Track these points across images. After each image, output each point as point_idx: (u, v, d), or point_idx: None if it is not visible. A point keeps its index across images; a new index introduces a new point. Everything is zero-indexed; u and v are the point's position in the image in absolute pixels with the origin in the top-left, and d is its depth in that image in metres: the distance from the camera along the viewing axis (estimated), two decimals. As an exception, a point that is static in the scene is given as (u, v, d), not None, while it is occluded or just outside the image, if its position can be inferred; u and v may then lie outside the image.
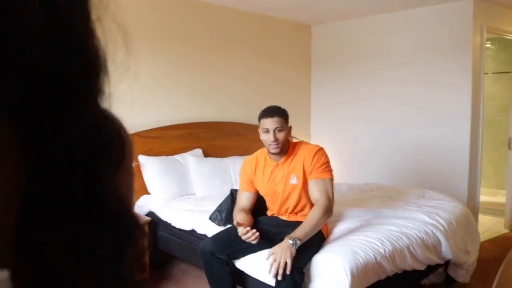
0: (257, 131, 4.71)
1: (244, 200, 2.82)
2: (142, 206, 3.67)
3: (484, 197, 4.81)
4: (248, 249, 2.65)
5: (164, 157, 3.86)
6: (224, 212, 3.05)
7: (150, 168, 3.70)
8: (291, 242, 2.38)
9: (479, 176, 4.45)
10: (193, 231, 3.28)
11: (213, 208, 3.17)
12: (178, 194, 3.74)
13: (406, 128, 4.68)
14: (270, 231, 2.72)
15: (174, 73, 4.16)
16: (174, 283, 3.52)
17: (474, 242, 3.43)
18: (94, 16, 0.31)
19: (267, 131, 2.65)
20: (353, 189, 4.04)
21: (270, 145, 2.65)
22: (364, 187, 4.08)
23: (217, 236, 2.75)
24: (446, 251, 2.98)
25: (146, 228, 3.34)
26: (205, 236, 3.14)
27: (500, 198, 5.79)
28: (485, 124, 4.51)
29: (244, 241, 2.57)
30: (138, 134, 3.82)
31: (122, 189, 0.34)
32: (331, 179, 2.67)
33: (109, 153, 0.33)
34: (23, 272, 0.28)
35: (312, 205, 2.72)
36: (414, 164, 4.64)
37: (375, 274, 2.50)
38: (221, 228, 2.99)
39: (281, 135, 2.64)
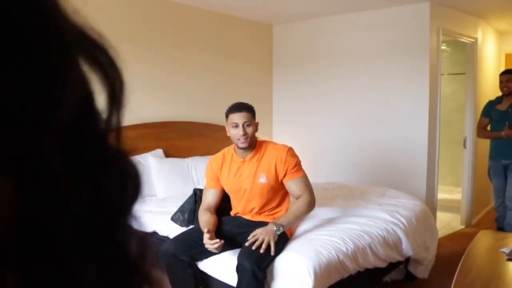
0: (219, 131, 4.73)
1: (210, 198, 2.79)
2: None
3: (441, 195, 4.95)
4: (210, 251, 2.63)
5: (124, 157, 3.76)
6: (187, 213, 3.01)
7: (109, 169, 3.60)
8: (274, 228, 2.48)
9: (437, 174, 4.57)
10: (154, 233, 3.22)
11: (175, 209, 3.12)
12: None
13: (366, 127, 4.75)
14: (233, 231, 2.71)
15: (132, 72, 4.07)
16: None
17: (432, 239, 3.51)
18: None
19: (236, 125, 2.65)
20: (316, 188, 4.01)
21: (239, 139, 2.64)
22: (327, 186, 4.11)
23: (179, 237, 2.71)
24: (407, 248, 3.03)
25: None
26: (167, 238, 3.08)
27: (456, 195, 5.98)
28: (441, 123, 4.64)
29: None
30: (97, 134, 3.72)
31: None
32: (305, 175, 2.76)
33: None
34: None
35: (278, 205, 2.78)
36: (375, 162, 4.71)
37: (338, 273, 2.51)
38: (183, 229, 2.95)
39: (249, 130, 2.66)
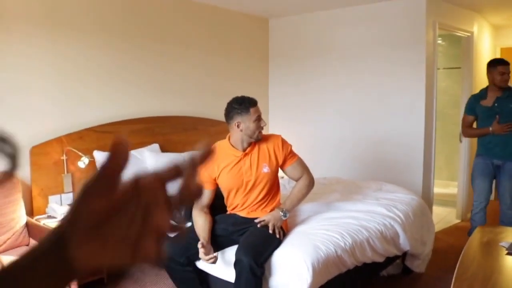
0: (215, 125, 4.71)
1: (204, 197, 2.77)
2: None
3: (437, 189, 4.95)
4: None
5: (120, 152, 3.74)
6: (183, 210, 2.99)
7: (105, 164, 3.58)
8: (281, 213, 2.62)
9: (433, 168, 4.58)
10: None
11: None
12: (135, 191, 3.64)
13: (363, 122, 4.75)
14: (228, 229, 2.70)
15: (129, 67, 4.04)
16: (133, 282, 3.43)
17: (429, 233, 3.52)
18: None
19: (259, 118, 2.72)
20: (313, 183, 4.06)
21: (260, 132, 2.72)
22: (324, 181, 4.11)
23: (174, 239, 2.68)
24: (404, 242, 3.04)
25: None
26: (164, 233, 3.07)
27: (452, 189, 5.99)
28: (437, 117, 4.64)
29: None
30: (93, 129, 3.69)
31: None
32: (300, 157, 2.85)
33: None
34: None
35: (274, 196, 2.80)
36: (371, 157, 4.71)
37: (336, 268, 2.52)
38: (180, 226, 2.93)
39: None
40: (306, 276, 2.31)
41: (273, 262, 2.48)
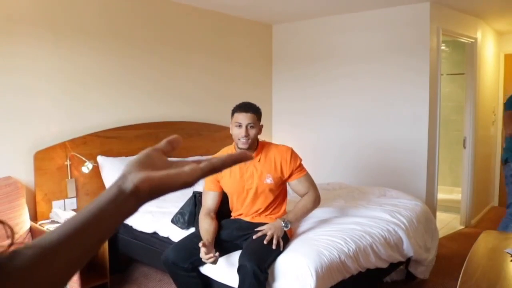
0: (218, 131, 4.73)
1: (210, 201, 2.77)
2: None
3: (440, 195, 4.94)
4: None
5: (123, 157, 3.75)
6: (187, 215, 2.99)
7: (109, 169, 3.59)
8: (283, 224, 2.59)
9: (437, 174, 4.56)
10: (155, 233, 3.20)
11: (175, 210, 3.11)
12: (139, 196, 3.64)
13: (366, 127, 4.75)
14: (233, 234, 2.70)
15: (133, 72, 4.06)
16: (136, 286, 3.43)
17: (433, 239, 3.50)
18: None
19: (240, 125, 2.64)
20: (316, 188, 4.05)
21: (239, 139, 2.64)
22: (327, 186, 4.11)
23: (178, 245, 2.68)
24: (408, 248, 3.03)
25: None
26: (167, 238, 3.07)
27: (455, 195, 5.98)
28: (440, 123, 4.63)
29: None
30: (97, 134, 3.71)
31: None
32: (308, 173, 2.81)
33: None
34: None
35: (279, 205, 2.79)
36: (375, 163, 4.71)
37: (339, 273, 2.50)
38: (184, 231, 2.94)
39: (252, 132, 2.65)
40: (309, 282, 2.31)
41: (277, 268, 2.47)
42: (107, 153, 3.72)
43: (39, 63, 3.39)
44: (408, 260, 3.26)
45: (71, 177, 3.52)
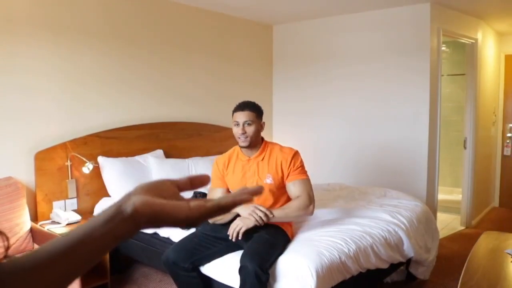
0: (219, 131, 4.74)
1: (217, 196, 2.77)
2: (102, 208, 3.56)
3: (441, 195, 4.94)
4: (212, 255, 2.64)
5: (124, 158, 3.76)
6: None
7: (110, 170, 3.59)
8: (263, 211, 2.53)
9: (437, 175, 4.56)
10: (155, 234, 3.20)
11: (176, 210, 3.10)
12: (139, 196, 3.64)
13: (366, 128, 4.75)
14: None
15: (134, 73, 4.06)
16: (136, 287, 3.43)
17: (434, 240, 3.50)
18: None
19: (237, 123, 2.70)
20: (317, 189, 4.03)
21: (239, 138, 2.69)
22: (328, 187, 4.11)
23: (179, 245, 2.68)
24: (408, 249, 3.02)
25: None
26: (168, 239, 3.07)
27: (456, 196, 5.98)
28: (441, 124, 4.63)
29: (208, 248, 2.63)
30: (97, 134, 3.71)
31: None
32: (308, 179, 2.75)
33: None
34: None
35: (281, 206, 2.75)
36: (375, 163, 4.71)
37: (340, 274, 2.50)
38: (184, 231, 2.94)
39: (250, 129, 2.67)
40: (310, 283, 2.30)
41: (277, 268, 2.47)
42: (108, 154, 3.72)
43: (40, 63, 3.39)
44: (409, 260, 3.25)
45: (71, 178, 3.52)
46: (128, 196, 0.54)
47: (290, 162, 2.70)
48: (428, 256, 3.34)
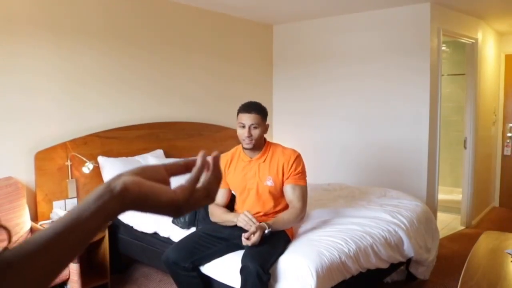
0: (219, 131, 4.73)
1: (219, 197, 2.79)
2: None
3: (441, 195, 4.93)
4: (212, 255, 2.64)
5: (124, 158, 3.76)
6: (187, 215, 2.99)
7: (110, 169, 3.59)
8: (266, 231, 2.48)
9: (437, 175, 4.56)
10: (155, 234, 3.20)
11: (176, 210, 3.10)
12: (139, 196, 3.64)
13: (367, 127, 4.75)
14: (234, 233, 2.69)
15: (134, 73, 4.06)
16: (136, 287, 3.43)
17: (434, 240, 3.50)
18: None
19: (243, 126, 2.67)
20: (317, 189, 4.05)
21: (243, 140, 2.68)
22: (328, 187, 4.11)
23: (179, 244, 2.68)
24: (408, 249, 3.03)
25: (106, 231, 3.23)
26: (168, 239, 3.07)
27: (456, 196, 5.98)
28: (441, 124, 4.63)
29: (208, 248, 2.63)
30: (97, 134, 3.71)
31: None
32: (306, 186, 2.74)
33: None
34: None
35: (282, 210, 2.75)
36: (375, 163, 4.71)
37: (340, 274, 2.50)
38: (184, 231, 2.94)
39: (256, 132, 2.67)
40: (310, 282, 2.31)
41: (278, 268, 2.47)
42: (108, 154, 3.72)
43: (40, 63, 3.39)
44: (409, 260, 3.26)
45: (71, 178, 3.52)
46: (118, 176, 0.56)
47: (291, 166, 2.69)
48: (428, 256, 3.35)
